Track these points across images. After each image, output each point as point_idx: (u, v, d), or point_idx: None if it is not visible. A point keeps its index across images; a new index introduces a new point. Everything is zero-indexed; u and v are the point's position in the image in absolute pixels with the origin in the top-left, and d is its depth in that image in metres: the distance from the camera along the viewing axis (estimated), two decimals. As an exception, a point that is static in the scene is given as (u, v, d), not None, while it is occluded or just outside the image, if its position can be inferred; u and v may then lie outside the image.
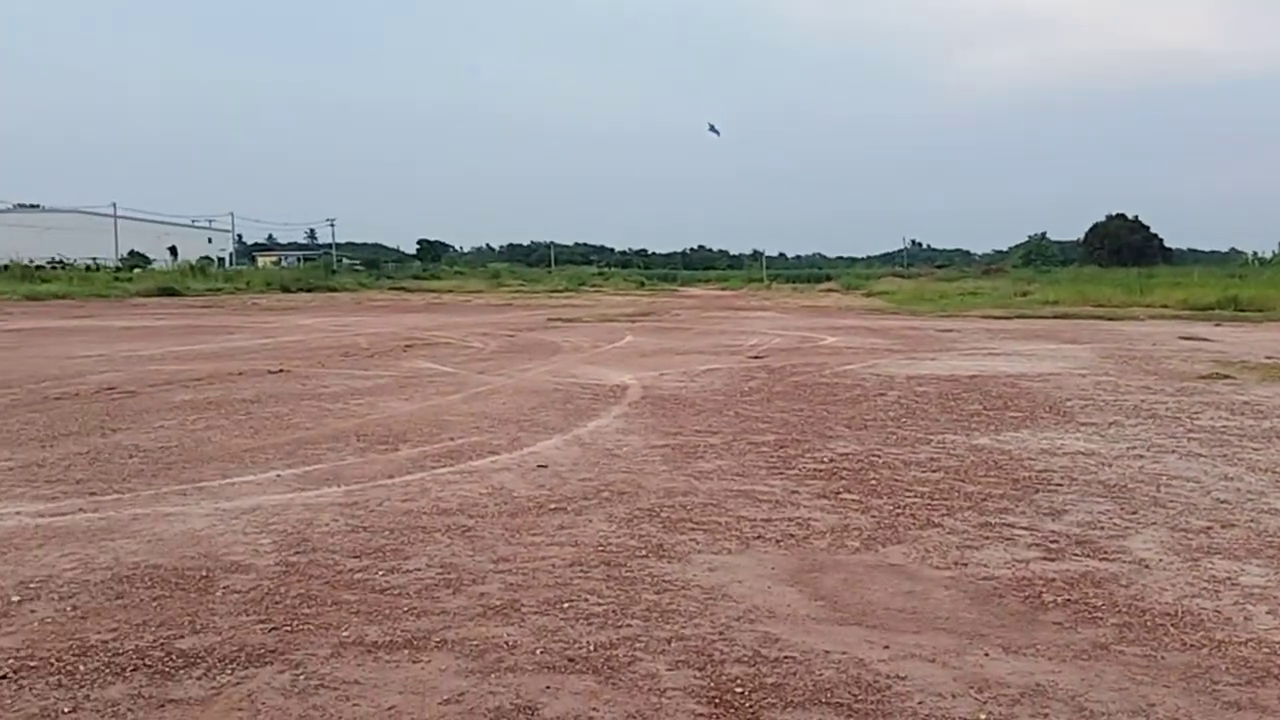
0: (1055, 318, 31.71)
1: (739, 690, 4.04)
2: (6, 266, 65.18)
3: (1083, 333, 24.74)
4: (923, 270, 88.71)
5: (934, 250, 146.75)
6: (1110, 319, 30.56)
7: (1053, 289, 45.41)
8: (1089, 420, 10.77)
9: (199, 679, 4.13)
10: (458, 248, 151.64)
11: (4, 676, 4.12)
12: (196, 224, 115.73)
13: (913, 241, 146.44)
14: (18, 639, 4.53)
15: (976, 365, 16.72)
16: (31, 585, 5.27)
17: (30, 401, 12.13)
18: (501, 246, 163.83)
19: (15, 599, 5.06)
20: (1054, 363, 17.06)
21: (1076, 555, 5.93)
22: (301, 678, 4.14)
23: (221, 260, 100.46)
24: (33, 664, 4.25)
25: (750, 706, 3.90)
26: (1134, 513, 6.90)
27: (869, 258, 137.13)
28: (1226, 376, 14.65)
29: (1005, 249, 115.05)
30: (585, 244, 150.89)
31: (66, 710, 3.83)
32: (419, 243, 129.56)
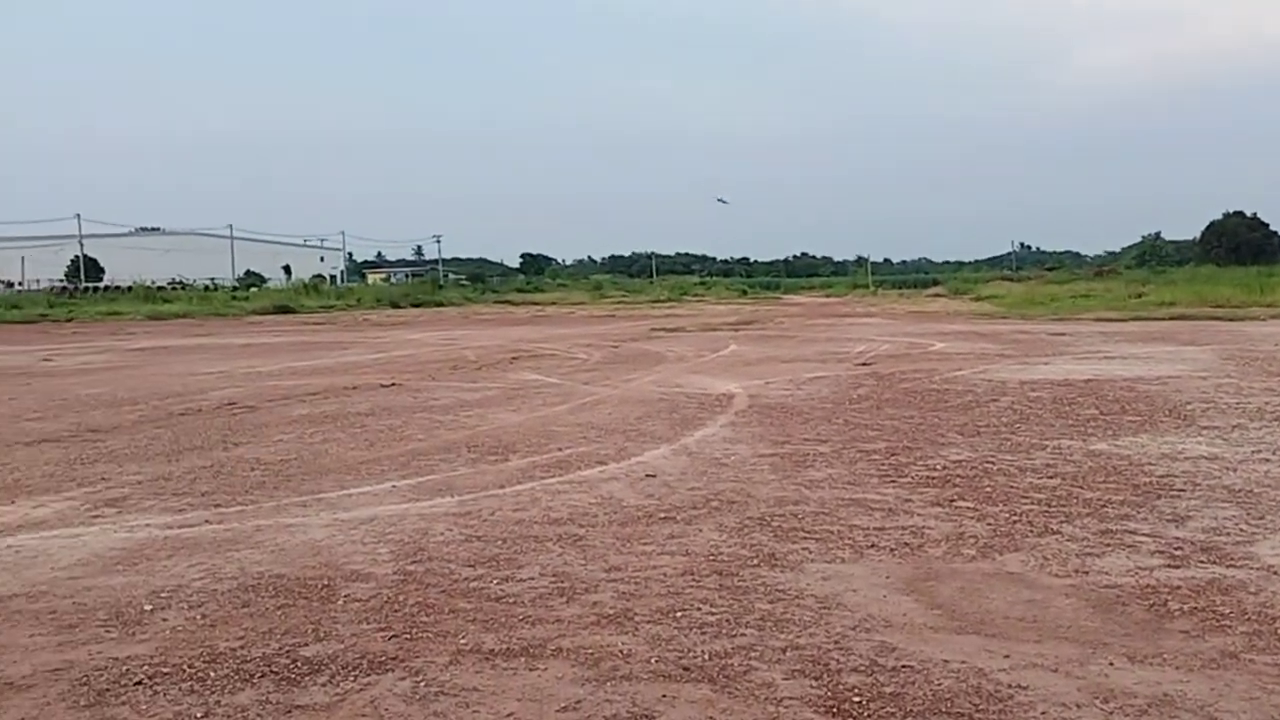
0: (1172, 319, 30.74)
1: (857, 699, 4.00)
2: (130, 288, 67.74)
3: (1201, 334, 23.95)
4: (1032, 273, 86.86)
5: (1043, 252, 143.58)
6: (1229, 319, 29.51)
7: (1168, 290, 44.05)
8: (1211, 424, 10.42)
9: (324, 685, 4.23)
10: (560, 260, 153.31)
11: (139, 683, 4.27)
12: (309, 243, 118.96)
13: (1021, 244, 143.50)
14: (151, 646, 4.70)
15: (1091, 369, 16.30)
16: (162, 594, 5.46)
17: (156, 417, 12.57)
18: (603, 258, 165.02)
19: (148, 608, 5.25)
20: (1172, 365, 16.54)
21: (1202, 562, 5.74)
22: (422, 684, 4.22)
23: (333, 278, 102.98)
24: (166, 670, 4.40)
25: (869, 716, 3.85)
26: (1260, 518, 6.65)
27: (976, 261, 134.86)
28: (1359, 377, 14.04)
29: (1118, 250, 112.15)
30: (687, 253, 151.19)
31: (199, 715, 3.95)
32: (522, 256, 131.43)
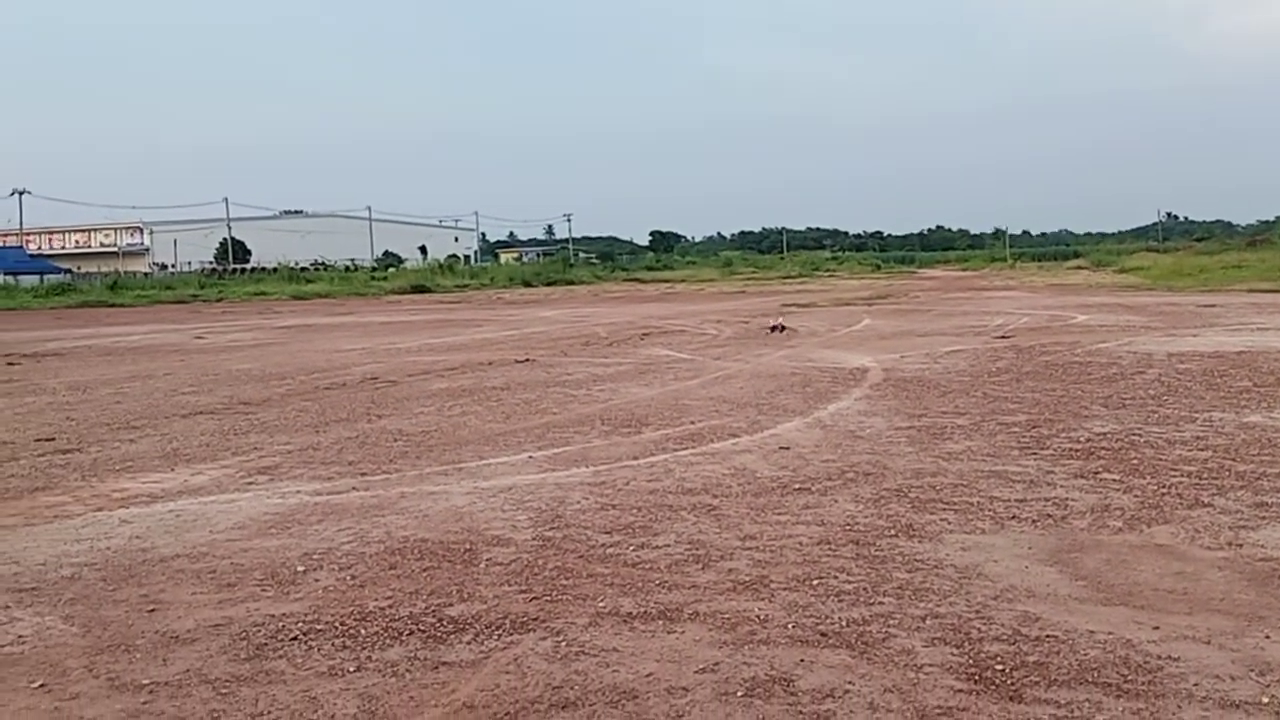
0: (1334, 289, 29.22)
1: (999, 668, 3.94)
2: (275, 269, 70.21)
3: (1367, 304, 22.71)
4: (1180, 244, 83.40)
5: (1191, 223, 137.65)
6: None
7: (1328, 258, 41.84)
8: (1379, 395, 9.90)
9: (468, 643, 4.35)
10: (689, 237, 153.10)
11: (294, 638, 4.45)
12: (444, 224, 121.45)
13: (1168, 214, 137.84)
14: (305, 605, 4.89)
15: (1244, 341, 15.63)
16: (314, 557, 5.67)
17: (303, 391, 13.02)
18: (732, 234, 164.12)
19: (301, 569, 5.46)
20: (1335, 336, 15.74)
21: (1368, 536, 5.48)
22: (563, 644, 4.30)
23: (467, 258, 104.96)
24: (319, 628, 4.58)
25: (1012, 684, 3.79)
26: None
27: (1120, 232, 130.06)
28: None
29: (1272, 219, 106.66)
30: (818, 228, 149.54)
31: (351, 669, 4.10)
32: (651, 234, 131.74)
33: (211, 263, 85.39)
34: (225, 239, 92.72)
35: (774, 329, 13.60)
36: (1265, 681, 3.75)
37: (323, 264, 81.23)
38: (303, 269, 71.77)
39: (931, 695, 3.72)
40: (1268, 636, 4.18)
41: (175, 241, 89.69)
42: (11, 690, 4.00)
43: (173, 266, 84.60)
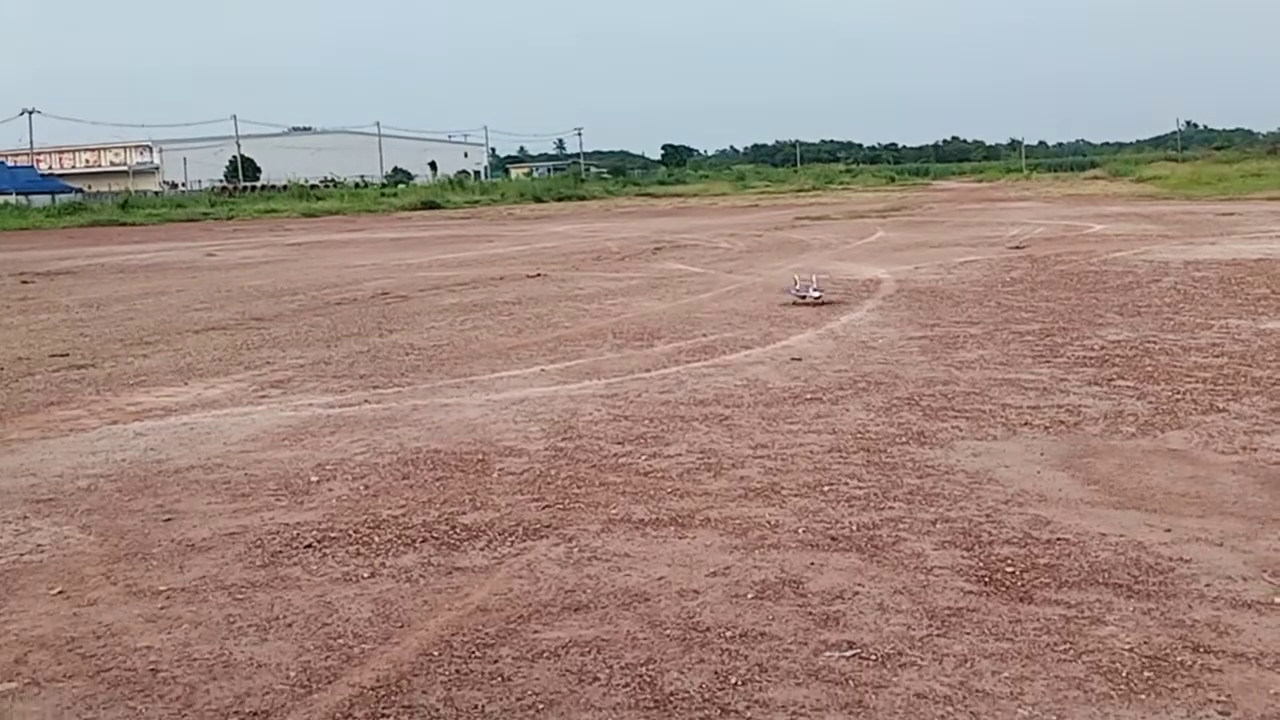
0: (1355, 196, 28.84)
1: (1010, 570, 3.95)
2: (285, 186, 69.86)
3: (1388, 211, 22.42)
4: (1198, 152, 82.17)
5: (1211, 131, 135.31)
6: None
7: (1351, 166, 41.21)
8: (1398, 301, 9.81)
9: (482, 550, 4.38)
10: (702, 151, 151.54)
11: (309, 546, 4.49)
12: (453, 139, 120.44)
13: (1187, 122, 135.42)
14: (319, 514, 4.93)
15: (1262, 249, 15.47)
16: (328, 467, 5.71)
17: (315, 306, 13.03)
18: (745, 148, 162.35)
19: (314, 479, 5.50)
20: (1355, 243, 15.57)
21: (1385, 440, 5.45)
22: (575, 550, 4.33)
23: (477, 173, 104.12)
24: (334, 535, 4.62)
25: (1022, 585, 3.81)
26: None
27: (1138, 142, 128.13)
28: None
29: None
30: (831, 141, 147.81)
31: (365, 575, 4.14)
32: (663, 148, 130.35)
33: (221, 181, 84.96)
34: (234, 157, 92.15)
35: (803, 298, 11.39)
36: (1277, 583, 3.76)
37: (333, 181, 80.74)
38: (313, 186, 71.33)
39: (941, 597, 3.74)
40: (1280, 538, 4.18)
41: (185, 160, 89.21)
42: (32, 596, 4.06)
43: (183, 185, 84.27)
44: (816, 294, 11.39)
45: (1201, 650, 3.27)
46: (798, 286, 11.62)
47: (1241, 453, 5.35)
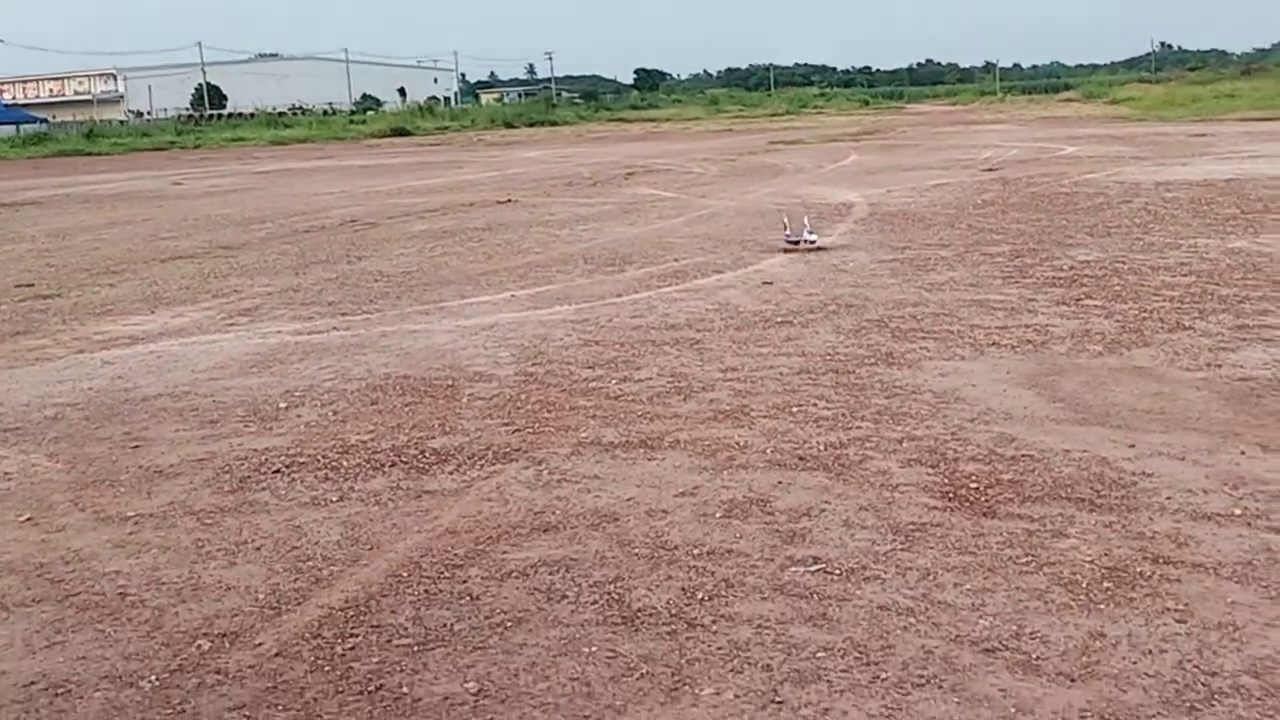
0: (1326, 116, 28.89)
1: (974, 486, 4.00)
2: (253, 114, 68.75)
3: (1358, 131, 22.48)
4: (1172, 74, 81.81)
5: (1185, 52, 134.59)
6: (1392, 115, 27.60)
7: (1324, 86, 41.18)
8: (1364, 220, 9.87)
9: (451, 473, 4.39)
10: (675, 75, 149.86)
11: (277, 471, 4.49)
12: (422, 65, 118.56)
13: (1161, 43, 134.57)
14: (287, 439, 4.92)
15: (1233, 169, 15.50)
16: (296, 394, 5.69)
17: (283, 234, 12.90)
18: (719, 71, 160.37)
19: (283, 405, 5.48)
20: (1324, 163, 15.62)
21: (1347, 355, 5.52)
22: (545, 473, 4.35)
23: (447, 99, 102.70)
24: (302, 460, 4.61)
25: (986, 501, 3.85)
26: None
27: (1112, 64, 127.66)
28: None
29: (1268, 46, 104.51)
30: (805, 64, 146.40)
31: (334, 499, 4.15)
32: (636, 72, 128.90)
33: (188, 109, 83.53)
34: (200, 84, 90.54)
35: (795, 243, 9.77)
36: (1238, 495, 3.82)
37: (300, 109, 79.46)
38: (280, 114, 70.17)
39: (906, 513, 3.78)
40: (1242, 452, 4.24)
41: (150, 88, 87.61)
42: (0, 524, 4.05)
43: (148, 114, 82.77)
44: (811, 238, 9.87)
45: (1160, 561, 3.32)
46: (789, 230, 10.01)
47: (1206, 369, 5.40)
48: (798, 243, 9.84)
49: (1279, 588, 3.13)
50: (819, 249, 9.75)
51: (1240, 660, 2.76)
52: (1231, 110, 35.18)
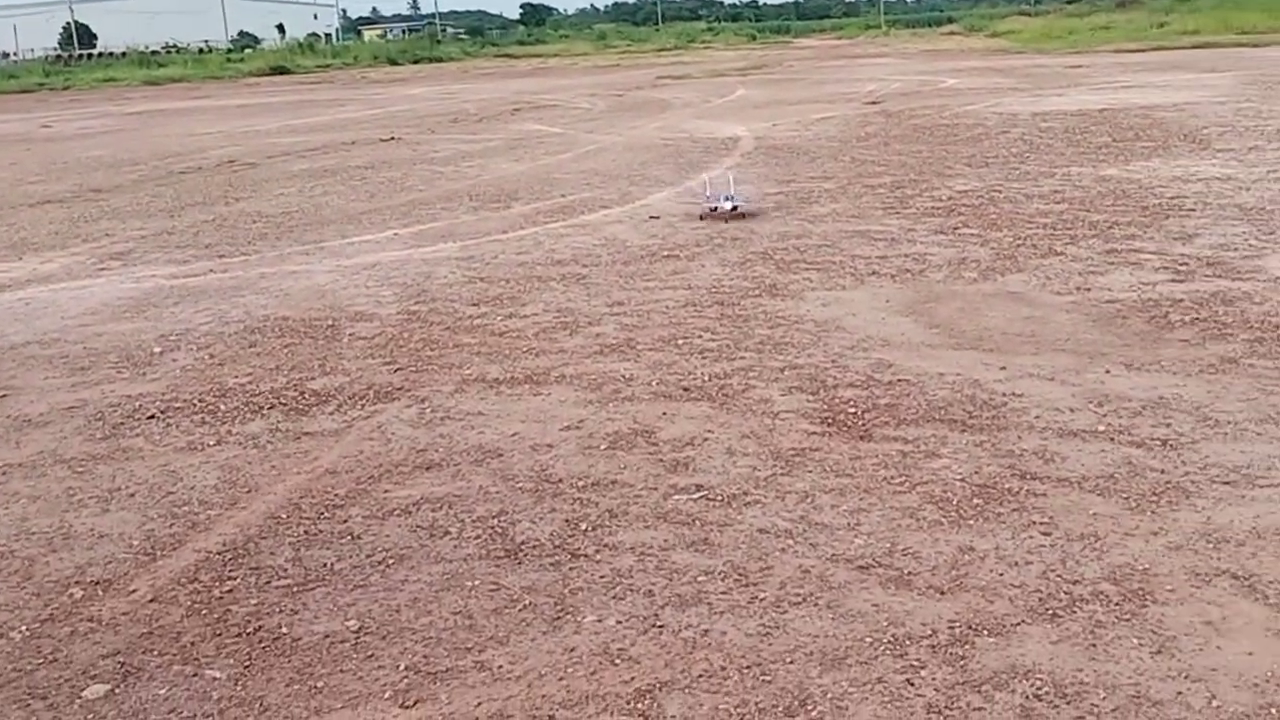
0: (1195, 48, 29.78)
1: (851, 411, 4.08)
2: (125, 54, 66.01)
3: (1223, 61, 23.21)
4: (1051, 7, 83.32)
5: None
6: (1254, 46, 28.56)
7: (1192, 18, 42.17)
8: (1226, 147, 10.23)
9: (331, 414, 4.33)
10: (561, 10, 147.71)
11: (152, 416, 4.38)
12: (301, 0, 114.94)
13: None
14: (162, 384, 4.79)
15: (1107, 99, 15.89)
16: (171, 338, 5.54)
17: (156, 176, 12.46)
18: (606, 6, 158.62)
19: (157, 350, 5.33)
20: (1191, 93, 16.10)
21: (1207, 276, 5.74)
22: (428, 410, 4.31)
23: (328, 36, 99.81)
24: (177, 405, 4.50)
25: (863, 425, 3.94)
26: (1271, 233, 6.61)
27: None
28: (1382, 97, 13.68)
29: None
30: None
31: (211, 443, 4.06)
32: (522, 7, 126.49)
33: (55, 49, 79.80)
34: (68, 23, 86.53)
35: (714, 210, 7.99)
36: (1103, 412, 3.96)
37: (175, 47, 76.50)
38: (154, 53, 67.48)
39: (786, 439, 3.85)
40: (1108, 371, 4.40)
41: (15, 28, 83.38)
42: None
43: (13, 54, 78.90)
44: (731, 203, 8.13)
45: (1028, 477, 3.44)
46: (709, 194, 8.36)
47: (1076, 293, 5.57)
48: (715, 209, 8.14)
49: (1139, 499, 3.26)
50: (742, 215, 8.07)
51: (1101, 568, 2.88)
52: (1107, 42, 35.97)
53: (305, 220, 8.90)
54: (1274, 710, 2.29)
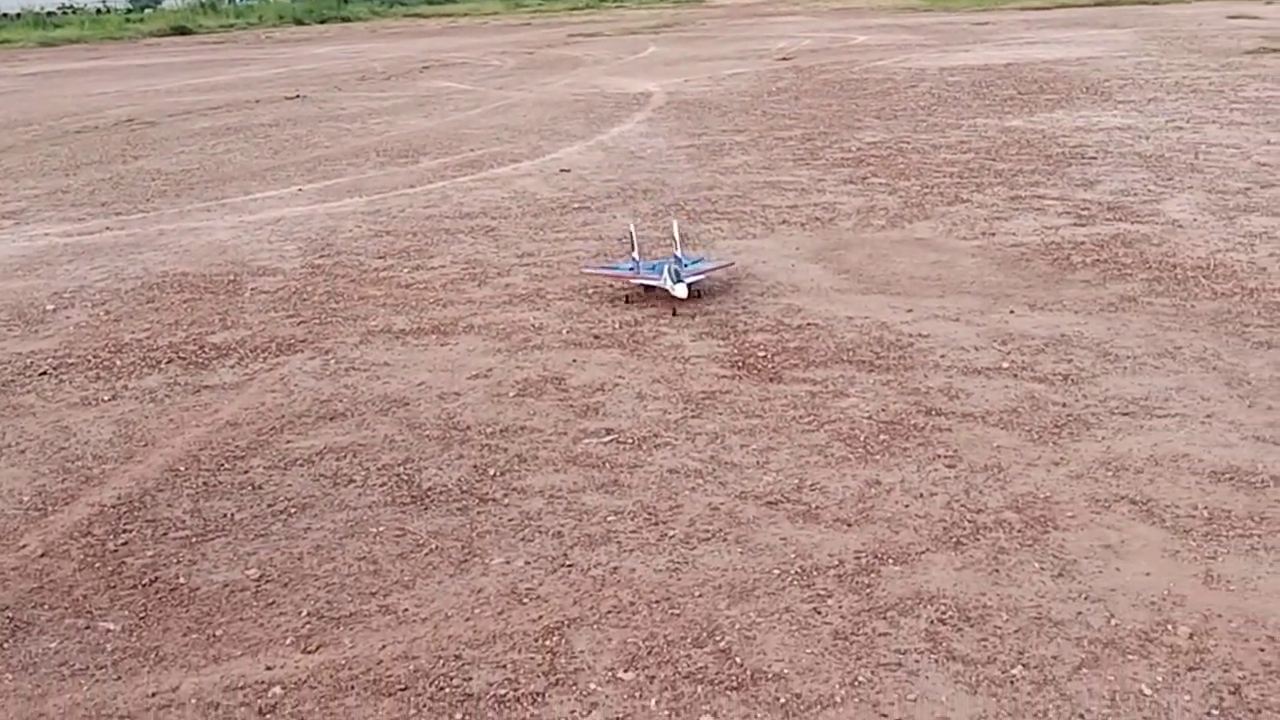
0: (1098, 5, 30.22)
1: (761, 354, 4.08)
2: (19, 14, 63.58)
3: (1125, 18, 23.65)
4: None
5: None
6: (1155, 3, 29.11)
7: (1096, -23, 43.04)
8: (1127, 98, 10.42)
9: (232, 367, 4.22)
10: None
11: (44, 373, 4.23)
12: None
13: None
14: (55, 341, 4.63)
15: (1012, 54, 16.09)
16: (65, 295, 5.35)
17: (52, 136, 12.02)
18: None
19: (50, 308, 5.15)
20: (1093, 48, 16.38)
21: (1108, 220, 5.84)
22: (332, 362, 4.23)
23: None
24: (71, 361, 4.36)
25: (773, 368, 3.94)
26: (1170, 179, 6.75)
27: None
28: (1276, 51, 14.04)
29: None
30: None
31: (107, 398, 3.94)
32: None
33: (-62, 7, 76.57)
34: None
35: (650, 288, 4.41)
36: (1006, 350, 4.02)
37: (71, 7, 73.87)
38: (49, 13, 65.08)
39: (696, 383, 3.84)
40: (1011, 312, 4.46)
41: (-109, -16, 79.83)
42: None
43: (-108, 12, 75.54)
44: (680, 280, 4.73)
45: (933, 413, 3.48)
46: (635, 254, 5.13)
47: (981, 238, 5.64)
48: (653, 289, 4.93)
49: (1040, 431, 3.32)
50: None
51: (1003, 498, 2.92)
52: (1014, 1, 36.43)
53: (207, 177, 8.65)
54: (1170, 626, 2.34)
